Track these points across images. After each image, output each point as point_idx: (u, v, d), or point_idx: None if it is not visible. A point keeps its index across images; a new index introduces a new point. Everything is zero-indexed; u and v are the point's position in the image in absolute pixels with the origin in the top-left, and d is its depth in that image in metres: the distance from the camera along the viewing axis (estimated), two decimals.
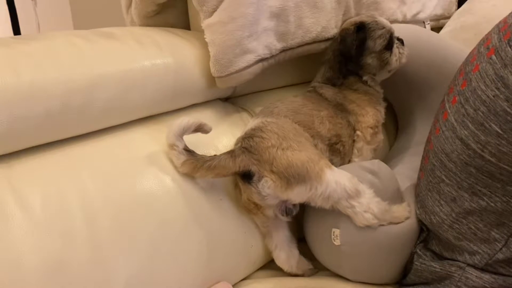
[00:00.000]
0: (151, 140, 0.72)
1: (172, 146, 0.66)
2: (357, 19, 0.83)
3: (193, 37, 0.81)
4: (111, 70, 0.67)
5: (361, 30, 0.81)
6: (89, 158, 0.65)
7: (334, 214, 0.66)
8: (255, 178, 0.64)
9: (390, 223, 0.66)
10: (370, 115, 0.80)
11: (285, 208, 0.69)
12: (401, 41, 0.84)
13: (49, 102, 0.60)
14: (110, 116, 0.69)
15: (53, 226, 0.57)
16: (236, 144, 0.70)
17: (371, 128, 0.79)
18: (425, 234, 0.68)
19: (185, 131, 0.66)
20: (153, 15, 0.86)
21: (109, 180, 0.64)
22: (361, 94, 0.81)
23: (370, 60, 0.82)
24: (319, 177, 0.63)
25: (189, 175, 0.68)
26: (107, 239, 0.61)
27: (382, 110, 0.83)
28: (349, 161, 0.80)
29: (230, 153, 0.66)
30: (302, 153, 0.64)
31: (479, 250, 0.61)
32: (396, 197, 0.69)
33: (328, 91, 0.81)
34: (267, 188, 0.64)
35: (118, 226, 0.62)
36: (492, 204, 0.58)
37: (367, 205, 0.64)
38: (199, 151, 0.71)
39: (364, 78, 0.83)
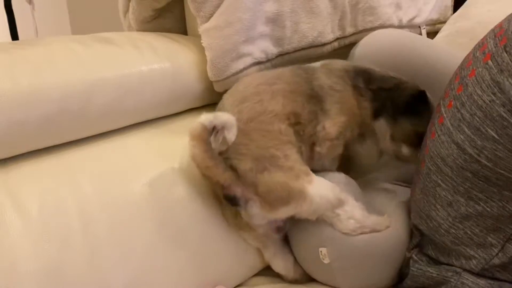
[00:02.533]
0: (148, 145, 0.72)
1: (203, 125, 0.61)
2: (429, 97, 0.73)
3: (190, 42, 0.81)
4: (108, 75, 0.67)
5: (422, 100, 0.72)
6: (86, 163, 0.65)
7: (318, 233, 0.67)
8: (241, 201, 0.64)
9: (372, 230, 0.66)
10: (337, 127, 0.70)
11: (276, 226, 0.69)
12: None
13: (47, 107, 0.60)
14: (107, 120, 0.69)
15: (50, 231, 0.57)
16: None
17: (330, 140, 0.70)
18: (418, 238, 0.68)
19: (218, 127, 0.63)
20: (151, 20, 0.87)
21: (106, 184, 0.64)
22: (356, 105, 0.72)
23: (406, 124, 0.72)
24: (302, 196, 0.62)
25: (194, 143, 0.62)
26: (104, 244, 0.60)
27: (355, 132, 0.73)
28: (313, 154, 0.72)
29: (220, 160, 0.63)
30: (278, 173, 0.63)
31: (476, 255, 0.61)
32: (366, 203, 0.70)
33: (323, 77, 0.72)
34: (254, 208, 0.64)
35: (115, 231, 0.62)
36: (489, 209, 0.58)
37: (351, 212, 0.65)
38: None
39: (381, 121, 0.73)
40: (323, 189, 0.64)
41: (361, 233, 0.66)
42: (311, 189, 0.63)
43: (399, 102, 0.71)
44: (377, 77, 0.74)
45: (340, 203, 0.64)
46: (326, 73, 0.73)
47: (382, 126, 0.73)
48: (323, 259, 0.67)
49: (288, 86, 0.70)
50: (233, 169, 0.63)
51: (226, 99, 0.71)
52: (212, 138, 0.61)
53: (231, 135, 0.62)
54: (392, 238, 0.68)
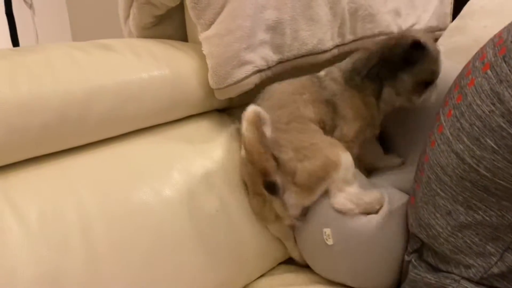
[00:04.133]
0: (147, 152, 0.72)
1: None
2: (421, 36, 0.75)
3: (190, 49, 0.81)
4: (109, 82, 0.67)
5: (418, 49, 0.73)
6: (85, 170, 0.65)
7: (323, 213, 0.69)
8: (280, 189, 0.66)
9: (365, 209, 0.69)
10: (353, 129, 0.76)
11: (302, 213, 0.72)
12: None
13: (47, 114, 0.60)
14: (107, 127, 0.69)
15: (49, 237, 0.57)
16: None
17: (346, 142, 0.74)
18: (417, 244, 0.68)
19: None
20: (151, 27, 0.87)
21: (105, 191, 0.64)
22: (363, 107, 0.77)
23: (406, 78, 0.75)
24: (336, 166, 0.68)
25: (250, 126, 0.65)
26: (103, 251, 0.60)
27: (368, 133, 0.79)
28: None
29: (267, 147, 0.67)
30: (317, 158, 0.68)
31: (475, 264, 0.61)
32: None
33: (332, 85, 0.77)
34: (291, 198, 0.68)
35: (114, 238, 0.62)
36: (488, 219, 0.58)
37: (351, 196, 0.69)
38: (195, 160, 0.72)
39: (385, 90, 0.77)
40: (348, 160, 0.69)
41: (357, 213, 0.68)
42: (343, 157, 0.68)
43: (392, 61, 0.74)
44: (362, 62, 0.77)
45: (349, 182, 0.69)
46: (332, 81, 0.77)
47: (387, 95, 0.77)
48: (327, 239, 0.68)
49: (312, 96, 0.75)
50: (275, 159, 0.66)
51: (262, 102, 0.74)
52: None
53: (269, 132, 0.67)
54: (394, 231, 0.70)
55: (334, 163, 0.68)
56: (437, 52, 0.75)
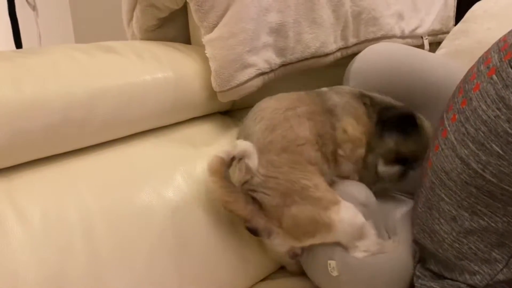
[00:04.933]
0: (150, 154, 0.72)
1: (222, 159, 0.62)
2: (420, 117, 0.74)
3: (193, 51, 0.81)
4: (112, 84, 0.67)
5: (411, 123, 0.73)
6: (88, 172, 0.65)
7: (327, 246, 0.67)
8: (264, 233, 0.64)
9: (379, 252, 0.66)
10: (358, 131, 0.72)
11: (293, 252, 0.70)
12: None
13: (50, 116, 0.60)
14: (110, 129, 0.69)
15: (52, 239, 0.57)
16: (237, 180, 0.65)
17: (351, 142, 0.72)
18: (419, 253, 0.68)
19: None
20: (154, 29, 0.87)
21: (108, 194, 0.64)
22: (366, 119, 0.74)
23: (389, 141, 0.73)
24: (328, 228, 0.63)
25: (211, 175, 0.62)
26: (106, 253, 0.60)
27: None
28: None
29: (241, 193, 0.64)
30: (307, 206, 0.63)
31: (480, 270, 0.60)
32: (380, 226, 0.70)
33: (334, 97, 0.74)
34: (277, 240, 0.64)
35: (116, 240, 0.61)
36: (493, 225, 0.57)
37: (368, 246, 0.65)
38: (198, 163, 0.71)
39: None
40: (348, 220, 0.64)
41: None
42: (337, 221, 0.63)
43: (388, 119, 0.73)
44: (378, 100, 0.75)
45: (361, 236, 0.65)
46: (336, 94, 0.74)
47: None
48: (332, 271, 0.66)
49: (309, 108, 0.71)
50: (256, 201, 0.63)
51: (253, 125, 0.69)
52: (235, 167, 0.62)
53: (253, 163, 0.62)
54: (400, 258, 0.68)
55: (326, 225, 0.63)
56: (427, 139, 0.73)
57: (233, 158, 0.62)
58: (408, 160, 0.74)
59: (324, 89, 0.77)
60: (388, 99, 0.76)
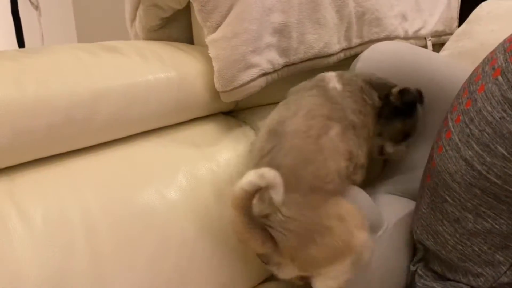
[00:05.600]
0: (153, 154, 0.71)
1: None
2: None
3: (196, 52, 0.81)
4: (115, 84, 0.67)
5: (418, 102, 0.73)
6: (91, 172, 0.65)
7: None
8: (274, 265, 0.61)
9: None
10: (363, 153, 0.70)
11: (301, 277, 0.65)
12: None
13: (53, 116, 0.60)
14: (113, 129, 0.68)
15: (54, 239, 0.57)
16: (257, 211, 0.59)
17: (362, 168, 0.70)
18: (421, 253, 0.67)
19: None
20: (157, 29, 0.87)
21: (110, 193, 0.64)
22: (371, 128, 0.72)
23: (399, 125, 0.73)
24: (347, 256, 0.59)
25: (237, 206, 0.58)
26: (108, 252, 0.60)
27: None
28: None
29: (259, 228, 0.59)
30: (325, 246, 0.58)
31: (483, 273, 0.60)
32: (376, 225, 0.69)
33: (350, 102, 0.69)
34: (286, 271, 0.61)
35: (118, 240, 0.61)
36: (497, 227, 0.57)
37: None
38: (201, 163, 0.71)
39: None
40: (366, 245, 0.61)
41: None
42: (359, 244, 0.59)
43: (397, 105, 0.72)
44: (379, 83, 0.74)
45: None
46: (348, 95, 0.70)
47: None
48: None
49: (340, 125, 0.65)
50: (273, 238, 0.59)
51: (281, 154, 0.62)
52: (257, 200, 0.57)
53: (278, 196, 0.55)
54: (392, 243, 0.68)
55: (345, 252, 0.59)
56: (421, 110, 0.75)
57: (258, 189, 0.55)
58: (410, 134, 0.76)
59: (332, 76, 0.72)
60: (386, 81, 0.75)
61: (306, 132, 0.63)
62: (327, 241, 0.58)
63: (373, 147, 0.75)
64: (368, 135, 0.71)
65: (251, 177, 0.53)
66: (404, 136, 0.75)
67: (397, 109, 0.73)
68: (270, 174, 0.54)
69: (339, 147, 0.63)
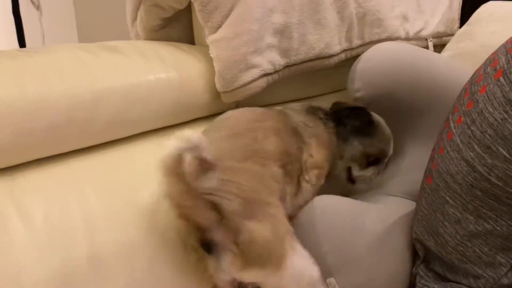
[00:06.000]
0: (154, 154, 0.71)
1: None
2: (374, 114, 0.75)
3: (197, 52, 0.81)
4: (116, 84, 0.67)
5: (365, 121, 0.73)
6: (91, 172, 0.65)
7: (321, 264, 0.61)
8: (217, 250, 0.55)
9: None
10: (321, 155, 0.69)
11: (237, 283, 0.62)
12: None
13: (54, 116, 0.60)
14: (114, 129, 0.68)
15: (55, 239, 0.57)
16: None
17: (317, 168, 0.69)
18: (422, 253, 0.67)
19: None
20: (158, 29, 0.87)
21: (111, 193, 0.64)
22: (327, 137, 0.72)
23: (356, 144, 0.73)
24: (279, 264, 0.54)
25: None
26: (109, 253, 0.60)
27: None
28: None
29: (200, 198, 0.54)
30: (267, 225, 0.54)
31: (484, 274, 0.60)
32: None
33: (293, 115, 0.71)
34: (226, 262, 0.55)
35: (119, 240, 0.61)
36: (498, 228, 0.57)
37: None
38: None
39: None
40: (301, 269, 0.57)
41: None
42: (289, 263, 0.55)
43: (353, 123, 0.73)
44: (327, 109, 0.75)
45: None
46: (293, 112, 0.72)
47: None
48: None
49: (276, 124, 0.66)
50: (215, 208, 0.53)
51: (213, 133, 0.63)
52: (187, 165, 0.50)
53: (209, 155, 0.50)
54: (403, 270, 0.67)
55: (278, 258, 0.54)
56: (390, 133, 0.75)
57: (185, 151, 0.50)
58: (379, 159, 0.75)
59: (278, 108, 0.74)
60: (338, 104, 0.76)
61: (240, 118, 0.66)
62: (267, 221, 0.55)
63: (341, 172, 0.75)
64: (326, 145, 0.70)
65: (175, 142, 0.50)
66: (371, 161, 0.74)
67: (353, 129, 0.73)
68: (194, 136, 0.50)
69: (271, 137, 0.62)
